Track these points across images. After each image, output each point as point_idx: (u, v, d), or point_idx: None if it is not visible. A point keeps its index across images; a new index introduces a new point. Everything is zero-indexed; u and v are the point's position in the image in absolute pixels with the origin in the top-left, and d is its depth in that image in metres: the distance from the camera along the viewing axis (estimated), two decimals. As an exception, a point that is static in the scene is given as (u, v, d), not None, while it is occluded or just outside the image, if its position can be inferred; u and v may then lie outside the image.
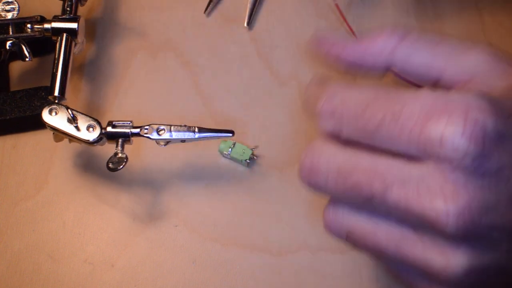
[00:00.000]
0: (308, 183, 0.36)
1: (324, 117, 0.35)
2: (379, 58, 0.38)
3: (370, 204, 0.34)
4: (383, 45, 0.38)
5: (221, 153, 0.48)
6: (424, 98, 0.32)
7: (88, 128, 0.43)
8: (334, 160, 0.35)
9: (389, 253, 0.35)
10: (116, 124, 0.44)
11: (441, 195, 0.31)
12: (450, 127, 0.31)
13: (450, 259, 0.33)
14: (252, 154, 0.47)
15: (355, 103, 0.34)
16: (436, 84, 0.37)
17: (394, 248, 0.35)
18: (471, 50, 0.37)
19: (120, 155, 0.43)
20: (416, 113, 0.32)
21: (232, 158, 0.48)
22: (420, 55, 0.37)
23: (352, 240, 0.37)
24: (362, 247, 0.37)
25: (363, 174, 0.33)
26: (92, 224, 0.47)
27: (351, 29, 0.47)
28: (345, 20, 0.47)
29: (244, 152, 0.47)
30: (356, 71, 0.40)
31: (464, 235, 0.32)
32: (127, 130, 0.44)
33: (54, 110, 0.44)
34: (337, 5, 0.47)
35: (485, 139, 0.31)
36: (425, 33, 0.38)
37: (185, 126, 0.43)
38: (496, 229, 0.32)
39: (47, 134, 0.46)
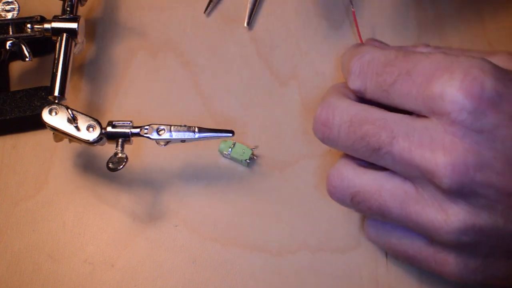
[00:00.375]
0: (322, 135, 0.39)
1: (353, 76, 0.39)
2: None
3: (377, 156, 0.36)
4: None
5: (221, 153, 0.48)
6: (434, 58, 0.35)
7: (88, 128, 0.43)
8: (347, 112, 0.38)
9: (393, 213, 0.37)
10: (116, 124, 0.44)
11: (441, 147, 0.33)
12: (450, 81, 0.33)
13: (449, 214, 0.34)
14: (252, 154, 0.47)
15: (378, 62, 0.38)
16: None
17: (399, 206, 0.37)
18: (494, 56, 0.39)
19: (120, 155, 0.43)
20: (426, 71, 0.35)
21: (232, 158, 0.48)
22: None
23: (357, 202, 0.39)
24: (366, 209, 0.38)
25: (372, 125, 0.36)
26: (92, 224, 0.47)
27: (360, 38, 0.48)
28: (357, 28, 0.49)
29: (244, 152, 0.47)
30: None
31: (460, 189, 0.33)
32: (127, 130, 0.44)
33: (54, 110, 0.44)
34: (354, 12, 0.49)
35: (482, 96, 0.33)
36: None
37: (185, 126, 0.43)
38: (491, 188, 0.33)
39: (47, 134, 0.46)
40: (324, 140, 0.39)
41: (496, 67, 0.34)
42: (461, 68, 0.34)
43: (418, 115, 0.36)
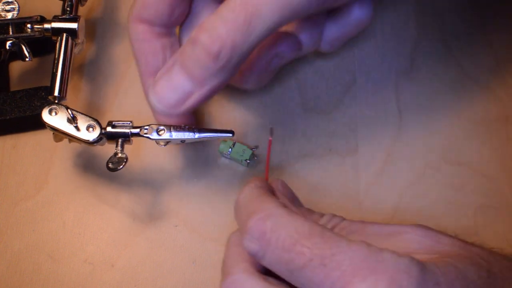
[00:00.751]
0: None
1: (250, 237, 0.34)
2: None
3: None
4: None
5: (221, 153, 0.48)
6: (356, 251, 0.31)
7: (88, 128, 0.43)
8: None
9: None
10: (116, 124, 0.44)
11: None
12: None
13: None
14: (252, 154, 0.47)
15: (286, 233, 0.33)
16: None
17: None
18: (402, 228, 0.36)
19: (120, 155, 0.43)
20: (345, 265, 0.31)
21: (232, 158, 0.48)
22: (353, 237, 0.36)
23: None
24: None
25: None
26: (92, 224, 0.47)
27: (267, 173, 0.43)
28: (268, 160, 0.44)
29: (244, 152, 0.47)
30: None
31: None
32: (127, 130, 0.44)
33: (54, 110, 0.44)
34: (270, 141, 0.44)
35: None
36: (357, 220, 0.38)
37: (185, 126, 0.43)
38: None
39: (47, 134, 0.46)
40: None
41: (423, 269, 0.31)
42: (387, 274, 0.30)
43: None
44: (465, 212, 0.47)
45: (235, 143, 0.47)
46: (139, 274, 0.45)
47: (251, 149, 0.47)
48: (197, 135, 0.43)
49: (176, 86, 0.41)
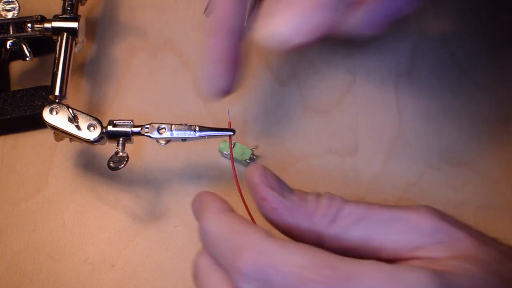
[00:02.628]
0: None
1: (246, 279, 0.30)
2: (314, 228, 0.34)
3: None
4: (320, 219, 0.34)
5: (221, 153, 0.48)
6: (374, 276, 0.29)
7: (89, 127, 0.43)
8: None
9: None
10: (117, 123, 0.44)
11: None
12: None
13: None
14: (252, 154, 0.47)
15: (288, 269, 0.29)
16: (378, 254, 0.33)
17: None
18: (411, 216, 0.34)
19: (121, 154, 0.43)
20: None
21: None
22: (359, 228, 0.33)
23: None
24: None
25: None
26: (92, 224, 0.47)
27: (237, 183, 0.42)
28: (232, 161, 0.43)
29: (244, 152, 0.47)
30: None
31: None
32: (128, 129, 0.43)
33: (55, 109, 0.44)
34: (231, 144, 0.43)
35: None
36: (361, 203, 0.34)
37: (186, 125, 0.43)
38: None
39: (47, 134, 0.46)
40: None
41: (443, 283, 0.29)
42: None
43: None
44: (465, 212, 0.47)
45: (235, 143, 0.47)
46: (139, 274, 0.45)
47: (251, 149, 0.47)
48: (197, 134, 0.43)
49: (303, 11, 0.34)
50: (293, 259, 0.29)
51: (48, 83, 0.46)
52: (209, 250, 0.33)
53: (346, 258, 0.30)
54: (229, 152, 0.47)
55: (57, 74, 0.46)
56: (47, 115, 0.44)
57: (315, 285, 0.28)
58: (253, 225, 0.32)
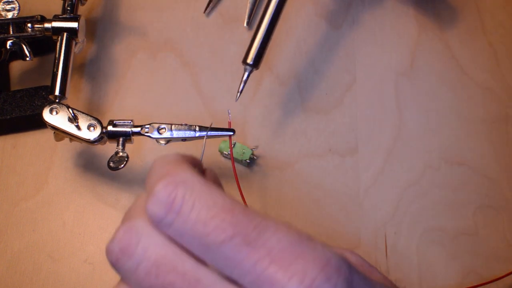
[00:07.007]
0: (115, 261, 0.31)
1: (156, 200, 0.30)
2: None
3: None
4: None
5: (221, 153, 0.48)
6: (286, 233, 0.29)
7: (89, 127, 0.43)
8: (156, 250, 0.30)
9: None
10: (117, 123, 0.44)
11: None
12: (298, 277, 0.28)
13: None
14: (252, 154, 0.47)
15: (203, 204, 0.29)
16: None
17: None
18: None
19: (121, 154, 0.43)
20: (271, 246, 0.28)
21: (232, 158, 0.48)
22: None
23: None
24: None
25: (182, 279, 0.29)
26: (92, 224, 0.47)
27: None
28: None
29: (244, 152, 0.47)
30: None
31: None
32: (128, 129, 0.43)
33: (55, 109, 0.44)
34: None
35: None
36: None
37: (186, 124, 0.43)
38: None
39: (47, 134, 0.46)
40: (117, 266, 0.31)
41: (352, 273, 0.29)
42: (318, 263, 0.28)
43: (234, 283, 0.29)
44: (465, 212, 0.47)
45: (235, 143, 0.47)
46: (139, 274, 0.45)
47: (251, 149, 0.47)
48: (197, 134, 0.43)
49: None
50: (212, 198, 0.29)
51: (48, 83, 0.46)
52: (146, 185, 0.32)
53: (266, 216, 0.30)
54: (229, 152, 0.47)
55: (57, 74, 0.46)
56: (47, 115, 0.44)
57: (225, 224, 0.29)
58: (191, 168, 0.31)
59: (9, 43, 0.47)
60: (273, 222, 0.29)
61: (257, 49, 0.45)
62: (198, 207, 0.29)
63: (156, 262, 0.30)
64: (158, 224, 0.30)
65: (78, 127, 0.43)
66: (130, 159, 0.43)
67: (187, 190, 0.30)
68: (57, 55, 0.47)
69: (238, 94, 0.45)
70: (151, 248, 0.30)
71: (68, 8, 0.48)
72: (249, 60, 0.45)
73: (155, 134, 0.43)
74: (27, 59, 0.48)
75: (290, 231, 0.29)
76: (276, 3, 0.45)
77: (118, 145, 0.43)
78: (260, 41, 0.45)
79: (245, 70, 0.45)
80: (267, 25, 0.45)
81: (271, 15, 0.45)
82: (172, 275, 0.29)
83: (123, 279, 0.31)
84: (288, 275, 0.28)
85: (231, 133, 0.43)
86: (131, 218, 0.31)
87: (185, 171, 0.31)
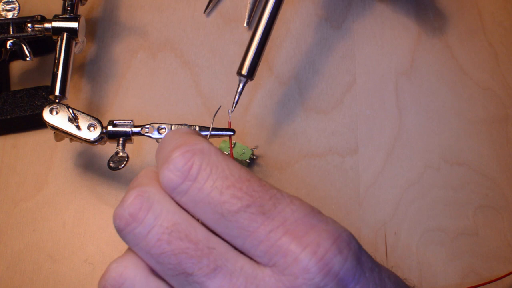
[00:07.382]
0: (124, 227, 0.30)
1: (173, 167, 0.29)
2: None
3: (183, 280, 0.29)
4: None
5: (222, 153, 0.48)
6: (300, 206, 0.30)
7: (89, 127, 0.43)
8: (169, 217, 0.29)
9: None
10: (117, 123, 0.44)
11: None
12: (311, 248, 0.28)
13: None
14: (252, 154, 0.47)
15: (219, 173, 0.29)
16: None
17: None
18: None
19: (121, 154, 0.43)
20: (286, 217, 0.29)
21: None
22: None
23: None
24: None
25: (194, 246, 0.29)
26: (92, 224, 0.47)
27: None
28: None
29: (244, 152, 0.47)
30: None
31: None
32: (128, 129, 0.43)
33: (55, 109, 0.44)
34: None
35: (335, 277, 0.29)
36: None
37: (185, 124, 0.43)
38: None
39: (47, 134, 0.46)
40: (125, 232, 0.30)
41: (361, 249, 0.30)
42: (331, 236, 0.29)
43: (247, 253, 0.30)
44: (465, 212, 0.47)
45: (235, 143, 0.47)
46: (139, 274, 0.45)
47: (251, 149, 0.47)
48: (198, 134, 0.43)
49: None
50: (228, 167, 0.30)
51: (48, 83, 0.46)
52: (156, 157, 0.33)
53: (281, 190, 0.30)
54: (229, 152, 0.47)
55: (57, 74, 0.46)
56: (47, 115, 0.44)
57: (241, 194, 0.29)
58: (206, 139, 0.32)
59: (9, 43, 0.47)
60: (287, 194, 0.30)
61: (251, 59, 0.44)
62: (215, 176, 0.29)
63: (168, 228, 0.29)
64: (172, 191, 0.30)
65: (78, 127, 0.43)
66: (130, 159, 0.43)
67: (204, 159, 0.30)
68: (57, 55, 0.47)
69: (234, 105, 0.45)
70: (163, 214, 0.29)
71: (68, 8, 0.48)
72: (244, 71, 0.44)
73: (155, 134, 0.43)
74: (27, 59, 0.47)
75: (303, 203, 0.30)
76: (270, 11, 0.45)
77: (118, 145, 0.43)
78: (254, 51, 0.45)
79: (240, 81, 0.45)
80: (260, 35, 0.45)
81: (265, 24, 0.45)
82: (185, 242, 0.29)
83: (131, 246, 0.30)
84: (301, 246, 0.28)
85: (231, 133, 0.43)
86: (141, 185, 0.30)
87: (202, 141, 0.31)
